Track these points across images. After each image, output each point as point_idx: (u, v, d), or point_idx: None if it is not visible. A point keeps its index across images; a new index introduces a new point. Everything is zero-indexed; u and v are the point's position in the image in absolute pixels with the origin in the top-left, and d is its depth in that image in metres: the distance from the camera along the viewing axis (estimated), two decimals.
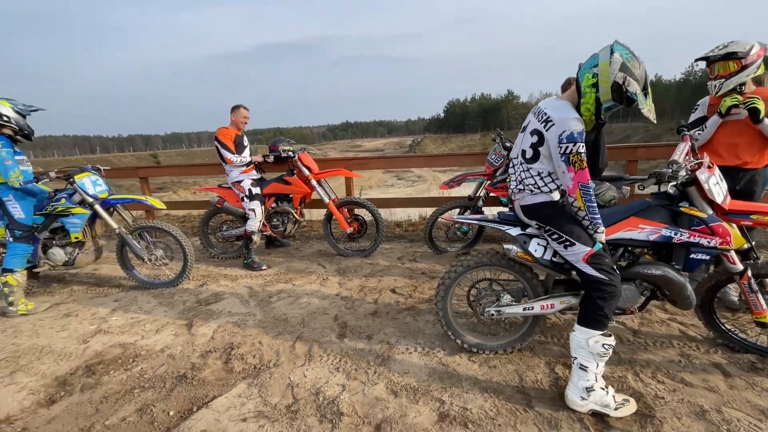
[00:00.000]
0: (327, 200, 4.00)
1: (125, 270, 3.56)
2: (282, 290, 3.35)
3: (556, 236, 1.82)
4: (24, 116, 3.05)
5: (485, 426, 1.73)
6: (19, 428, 1.88)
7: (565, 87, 3.30)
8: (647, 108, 1.63)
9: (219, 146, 3.77)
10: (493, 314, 2.12)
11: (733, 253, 1.86)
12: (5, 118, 2.96)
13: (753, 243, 1.90)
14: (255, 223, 3.84)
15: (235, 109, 3.85)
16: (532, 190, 1.88)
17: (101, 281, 3.83)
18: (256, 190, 3.87)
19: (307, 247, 4.60)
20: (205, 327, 2.76)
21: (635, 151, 3.88)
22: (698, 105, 2.72)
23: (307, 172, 3.94)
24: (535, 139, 1.79)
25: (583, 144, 1.65)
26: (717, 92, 2.44)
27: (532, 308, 2.05)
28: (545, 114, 1.75)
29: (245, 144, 3.93)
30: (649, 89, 1.65)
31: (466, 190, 3.86)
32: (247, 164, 3.84)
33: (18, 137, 3.06)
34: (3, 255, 3.23)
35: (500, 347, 2.23)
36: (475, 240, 3.98)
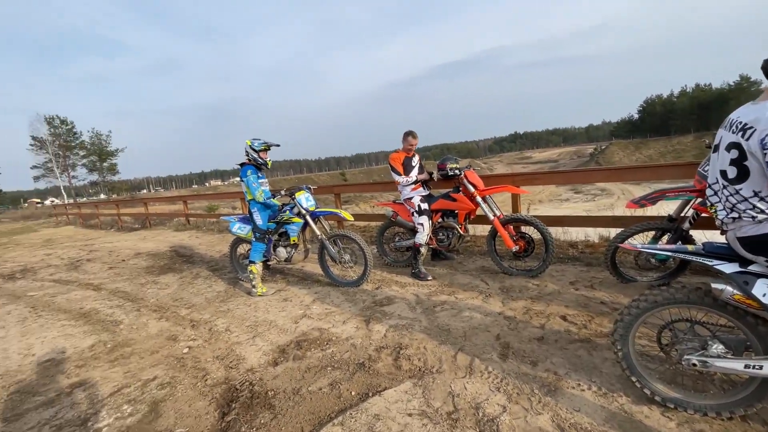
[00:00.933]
0: (491, 217, 3.99)
1: (323, 269, 4.42)
2: (445, 302, 3.52)
3: None
4: (258, 151, 4.15)
5: None
6: (257, 377, 2.60)
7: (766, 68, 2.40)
8: None
9: (390, 169, 4.29)
10: (695, 364, 1.72)
11: None
12: (251, 155, 4.15)
13: None
14: (423, 236, 4.17)
15: (405, 136, 4.31)
16: (754, 216, 1.48)
17: (306, 276, 4.86)
18: (425, 206, 4.20)
19: (470, 262, 4.67)
20: (379, 325, 3.17)
21: None
22: None
23: (472, 189, 4.04)
24: (734, 154, 1.47)
25: None
26: None
27: (761, 367, 1.57)
28: (740, 122, 1.44)
29: (413, 164, 4.33)
30: None
31: (662, 210, 3.20)
32: (414, 182, 4.22)
33: (261, 166, 4.24)
34: (250, 250, 4.52)
35: (710, 409, 1.78)
36: (678, 270, 3.24)
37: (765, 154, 1.36)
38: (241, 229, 4.57)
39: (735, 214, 1.56)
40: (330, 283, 4.38)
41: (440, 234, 4.37)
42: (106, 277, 6.04)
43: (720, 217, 1.63)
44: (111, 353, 3.20)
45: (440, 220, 4.36)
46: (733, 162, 1.50)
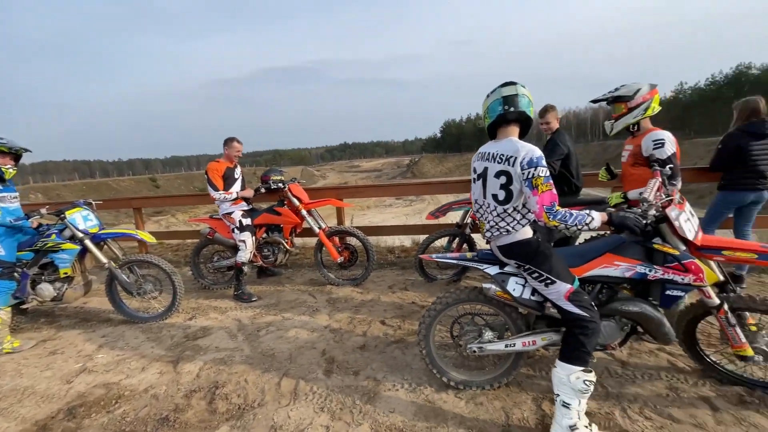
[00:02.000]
0: (317, 230, 4.02)
1: (114, 304, 3.54)
2: (271, 323, 3.32)
3: (536, 275, 1.84)
4: None
5: None
6: None
7: (542, 113, 3.38)
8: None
9: (207, 182, 3.83)
10: (475, 351, 2.11)
11: (708, 288, 1.88)
12: None
13: (728, 276, 1.92)
14: (245, 254, 3.85)
15: (228, 142, 3.92)
16: (507, 229, 1.88)
17: (90, 315, 3.80)
18: (247, 221, 3.89)
19: (299, 276, 4.59)
20: (191, 364, 2.72)
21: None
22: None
23: (297, 202, 3.98)
24: (503, 180, 1.81)
25: (545, 168, 1.70)
26: (611, 132, 2.62)
27: (514, 345, 2.04)
28: (502, 155, 1.81)
29: (236, 176, 3.98)
30: None
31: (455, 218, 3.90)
32: (234, 199, 3.87)
33: None
34: None
35: (487, 383, 2.21)
36: (466, 268, 3.99)
37: (523, 173, 1.72)
38: None
39: (496, 230, 1.93)
40: (126, 321, 3.55)
41: (265, 250, 4.13)
42: None
43: (486, 229, 2.02)
44: None
45: (265, 235, 4.13)
46: (502, 186, 1.83)
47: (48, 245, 3.21)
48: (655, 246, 1.84)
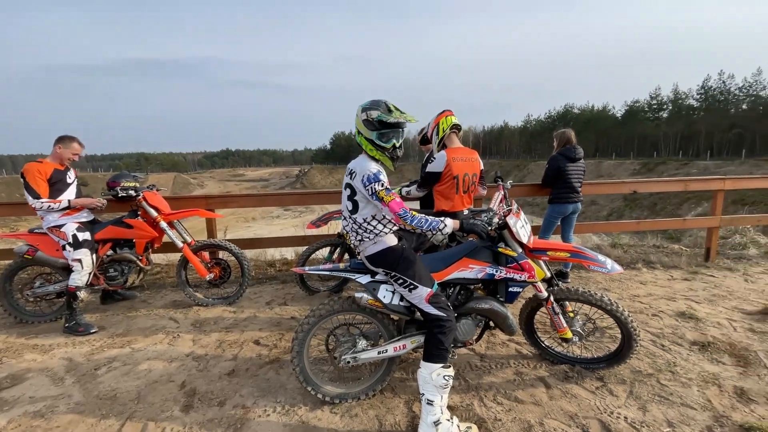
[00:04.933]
0: (180, 244, 3.54)
1: None
2: (115, 357, 2.77)
3: (401, 281, 1.93)
4: None
5: None
6: None
7: (422, 140, 3.62)
8: (395, 115, 1.90)
9: (24, 186, 3.04)
10: (349, 361, 2.09)
11: (539, 284, 2.23)
12: None
13: (553, 273, 2.33)
14: (81, 276, 3.15)
15: (64, 140, 3.17)
16: (369, 238, 2.00)
17: None
18: (84, 236, 3.19)
19: (158, 298, 3.96)
20: None
21: None
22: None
23: (154, 213, 3.44)
24: (348, 191, 2.00)
25: (383, 182, 1.88)
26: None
27: (387, 350, 2.09)
28: (349, 169, 2.00)
29: (69, 181, 3.23)
30: (391, 107, 1.94)
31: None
32: (65, 208, 3.15)
33: None
34: None
35: (362, 393, 2.20)
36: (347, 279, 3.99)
37: (367, 190, 1.88)
38: None
39: (359, 238, 2.04)
40: None
41: (111, 270, 3.44)
42: None
43: (351, 239, 2.08)
44: None
45: (110, 252, 3.44)
46: (348, 197, 2.01)
47: None
48: (500, 249, 2.12)
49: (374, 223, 2.00)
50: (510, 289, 2.11)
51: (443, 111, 2.97)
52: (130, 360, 2.73)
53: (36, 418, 2.12)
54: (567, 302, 2.36)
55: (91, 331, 3.14)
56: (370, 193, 1.88)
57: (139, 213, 3.48)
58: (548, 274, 2.26)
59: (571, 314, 2.38)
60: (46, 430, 2.03)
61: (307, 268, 2.19)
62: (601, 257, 2.20)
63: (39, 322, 3.38)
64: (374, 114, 1.90)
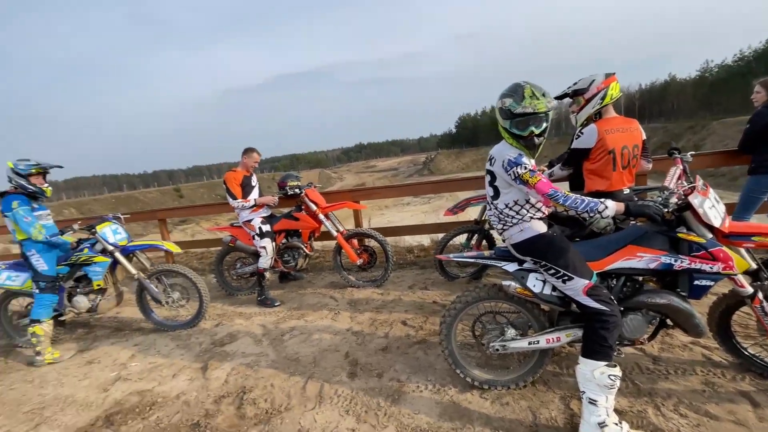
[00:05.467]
0: (335, 233, 4.06)
1: (144, 314, 3.68)
2: (294, 327, 3.38)
3: (553, 271, 1.81)
4: (25, 176, 3.16)
5: None
6: None
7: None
8: (525, 103, 1.76)
9: (226, 191, 3.92)
10: (497, 349, 2.08)
11: (740, 277, 1.79)
12: (16, 182, 3.16)
13: (761, 264, 1.82)
14: (266, 260, 3.92)
15: (247, 152, 4.00)
16: (514, 224, 1.94)
17: (123, 325, 3.96)
18: (266, 228, 3.97)
19: (320, 279, 4.65)
20: (219, 370, 2.80)
21: None
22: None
23: (314, 207, 4.03)
24: (489, 178, 2.00)
25: (526, 165, 1.79)
26: (576, 124, 2.64)
27: (538, 342, 2.00)
28: (490, 155, 1.96)
29: (253, 184, 4.06)
30: (526, 93, 1.78)
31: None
32: (252, 206, 3.95)
33: (35, 195, 3.24)
34: (30, 306, 3.41)
35: (511, 382, 2.17)
36: (485, 265, 3.93)
37: (509, 175, 1.83)
38: (13, 279, 3.41)
39: (502, 225, 2.00)
40: (156, 329, 3.68)
41: (286, 255, 4.20)
42: None
43: (495, 227, 2.04)
44: None
45: (284, 240, 4.19)
46: (489, 183, 2.00)
47: (81, 259, 3.36)
48: (680, 235, 1.77)
49: (517, 208, 1.93)
50: (695, 282, 1.74)
51: (611, 74, 2.50)
52: (305, 330, 3.29)
53: (248, 369, 2.77)
54: None
55: (276, 304, 3.90)
56: (513, 177, 1.82)
57: (302, 207, 4.13)
58: (753, 266, 1.79)
59: None
60: (256, 378, 2.63)
61: (451, 255, 2.25)
62: None
63: (240, 295, 4.36)
64: (507, 102, 1.81)
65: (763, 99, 3.07)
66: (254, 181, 4.11)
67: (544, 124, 1.82)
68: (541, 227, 1.91)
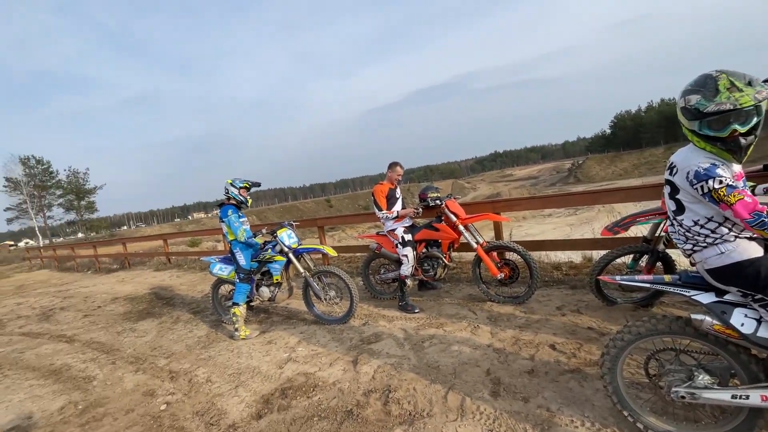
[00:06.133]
0: (475, 245, 4.00)
1: (308, 307, 4.31)
2: (434, 335, 3.45)
3: None
4: (239, 188, 4.15)
5: None
6: None
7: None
8: (721, 98, 1.42)
9: (373, 202, 4.29)
10: (683, 396, 1.70)
11: None
12: (231, 193, 4.13)
13: None
14: (408, 267, 4.13)
15: (391, 166, 4.34)
16: (709, 243, 1.59)
17: (291, 314, 4.73)
18: (408, 237, 4.19)
19: (457, 290, 4.64)
20: (367, 366, 3.07)
21: None
22: None
23: (454, 218, 4.06)
24: (668, 189, 1.70)
25: (720, 178, 1.42)
26: None
27: (747, 397, 1.56)
28: (670, 162, 1.63)
29: (397, 196, 4.35)
30: (721, 85, 1.44)
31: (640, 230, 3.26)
32: (395, 217, 4.21)
33: (241, 204, 4.21)
34: (232, 291, 4.39)
35: None
36: (658, 291, 3.27)
37: (696, 190, 1.50)
38: (223, 270, 4.45)
39: (691, 245, 1.66)
40: (316, 321, 4.26)
41: (425, 264, 4.34)
42: (80, 326, 5.75)
43: (680, 247, 1.69)
44: (82, 415, 3.00)
45: (424, 250, 4.35)
46: (670, 196, 1.67)
47: (267, 257, 4.18)
48: None
49: (712, 225, 1.57)
50: None
51: None
52: (444, 340, 3.33)
53: (392, 369, 2.96)
54: None
55: (416, 311, 4.06)
56: (701, 193, 1.49)
57: (442, 218, 4.21)
58: None
59: None
60: (399, 379, 2.79)
61: (617, 277, 1.95)
62: None
63: (384, 299, 4.70)
64: (693, 100, 1.50)
65: None
66: (398, 193, 4.40)
67: (755, 119, 1.44)
68: (754, 250, 1.50)
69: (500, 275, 3.90)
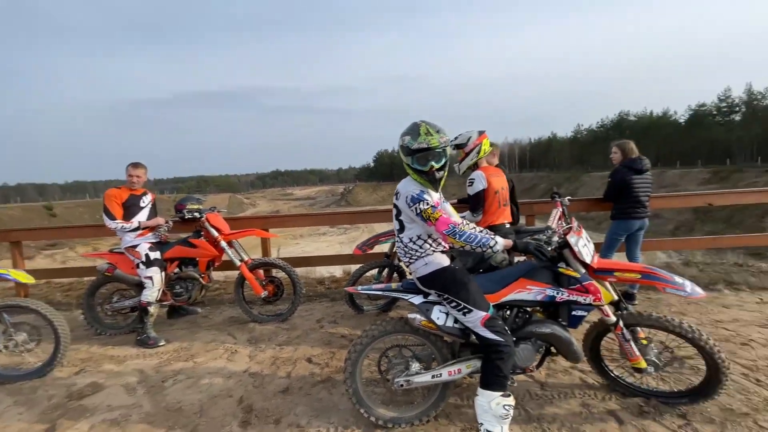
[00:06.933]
0: (238, 263, 3.73)
1: None
2: (181, 370, 2.93)
3: (454, 304, 1.88)
4: None
5: None
6: None
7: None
8: (421, 139, 1.88)
9: (103, 210, 3.38)
10: (402, 384, 2.05)
11: (606, 307, 2.06)
12: None
13: (620, 295, 2.14)
14: (152, 292, 3.41)
15: (128, 167, 3.52)
16: (418, 257, 1.99)
17: None
18: (155, 255, 3.47)
19: (217, 314, 4.18)
20: (71, 431, 2.26)
21: (532, 207, 4.27)
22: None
23: (215, 233, 3.67)
24: (395, 211, 2.04)
25: (427, 201, 1.87)
26: (460, 173, 3.19)
27: (441, 375, 2.03)
28: (396, 190, 2.03)
29: (142, 205, 3.56)
30: (421, 130, 1.91)
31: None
32: (135, 229, 3.46)
33: None
34: None
35: (416, 418, 2.14)
36: (395, 298, 3.96)
37: (412, 210, 1.90)
38: None
39: (407, 258, 2.04)
40: None
41: (177, 287, 3.70)
42: None
43: (403, 260, 2.08)
44: None
45: (177, 270, 3.71)
46: (395, 217, 2.05)
47: None
48: (561, 270, 1.99)
49: (420, 242, 1.99)
50: (573, 312, 1.97)
51: (482, 132, 3.05)
52: (194, 374, 2.88)
53: (112, 426, 2.29)
54: (639, 328, 2.15)
55: (160, 344, 3.37)
56: (416, 213, 1.89)
57: (202, 233, 3.73)
58: (616, 297, 2.09)
59: (645, 341, 2.16)
60: None
61: (359, 287, 2.21)
62: (678, 279, 2.00)
63: (115, 334, 3.69)
64: (406, 139, 1.93)
65: (619, 158, 3.76)
66: (145, 201, 3.61)
67: (443, 159, 1.94)
68: (444, 260, 1.98)
69: (264, 293, 3.77)
